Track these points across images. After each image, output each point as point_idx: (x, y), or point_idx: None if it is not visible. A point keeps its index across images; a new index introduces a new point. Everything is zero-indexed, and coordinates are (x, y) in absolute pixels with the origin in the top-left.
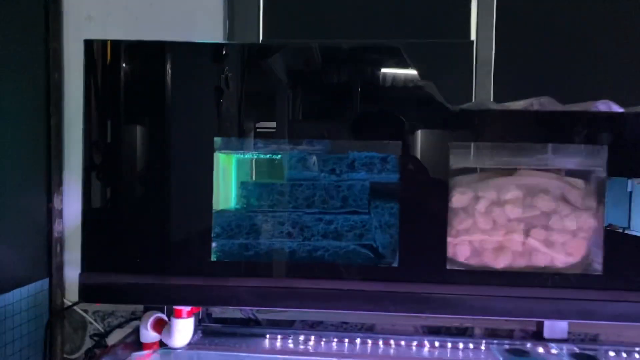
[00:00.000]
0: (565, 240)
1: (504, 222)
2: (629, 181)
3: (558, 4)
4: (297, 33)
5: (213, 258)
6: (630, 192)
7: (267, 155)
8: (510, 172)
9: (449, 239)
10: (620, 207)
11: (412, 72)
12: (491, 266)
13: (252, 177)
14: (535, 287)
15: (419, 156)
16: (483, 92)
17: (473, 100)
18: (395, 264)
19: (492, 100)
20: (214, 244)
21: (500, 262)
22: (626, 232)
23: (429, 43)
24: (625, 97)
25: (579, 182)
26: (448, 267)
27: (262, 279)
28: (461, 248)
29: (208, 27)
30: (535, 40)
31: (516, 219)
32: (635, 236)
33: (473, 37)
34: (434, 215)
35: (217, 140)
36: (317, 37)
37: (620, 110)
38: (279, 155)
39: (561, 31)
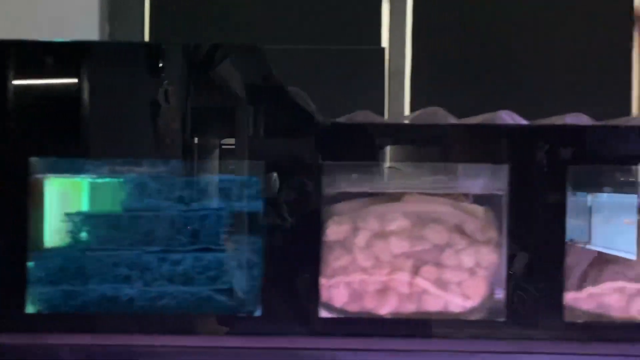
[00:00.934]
0: (461, 279)
1: (388, 259)
2: (589, 196)
3: (481, 9)
4: (187, 36)
5: (29, 309)
6: (590, 207)
7: (102, 180)
8: (398, 197)
9: (322, 280)
10: (581, 222)
11: (277, 77)
12: (374, 312)
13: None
14: (426, 338)
15: (286, 178)
16: (396, 105)
17: (386, 113)
18: (257, 313)
19: (406, 112)
20: (29, 292)
21: (385, 308)
22: (587, 246)
23: (327, 49)
24: (552, 106)
25: (478, 210)
26: (321, 315)
27: (93, 335)
28: (337, 291)
29: (82, 29)
30: (455, 48)
31: (402, 255)
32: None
33: (385, 44)
34: (304, 251)
35: (36, 161)
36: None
37: (524, 122)
38: (121, 179)
39: (484, 38)
